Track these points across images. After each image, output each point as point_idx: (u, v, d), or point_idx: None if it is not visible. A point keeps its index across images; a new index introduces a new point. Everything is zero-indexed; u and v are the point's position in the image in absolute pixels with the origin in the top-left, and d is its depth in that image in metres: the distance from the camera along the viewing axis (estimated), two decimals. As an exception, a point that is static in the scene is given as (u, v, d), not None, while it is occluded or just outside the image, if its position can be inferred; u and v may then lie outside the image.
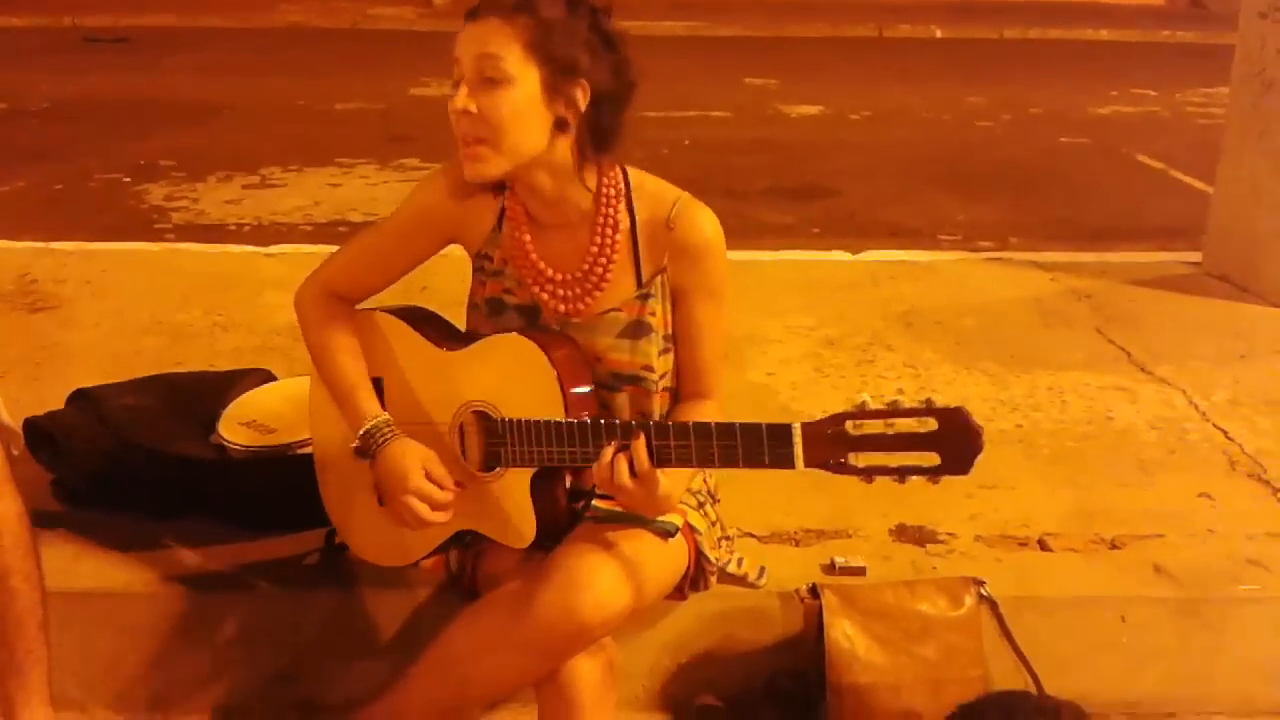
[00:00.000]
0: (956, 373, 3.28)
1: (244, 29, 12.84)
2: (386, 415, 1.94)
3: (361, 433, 1.93)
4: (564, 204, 1.92)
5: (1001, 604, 2.20)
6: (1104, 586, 2.29)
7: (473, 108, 1.79)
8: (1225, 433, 2.92)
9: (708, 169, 6.43)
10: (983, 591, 2.19)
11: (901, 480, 1.61)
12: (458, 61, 1.82)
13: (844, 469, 1.64)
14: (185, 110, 8.12)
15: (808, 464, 1.66)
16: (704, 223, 1.92)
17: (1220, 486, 2.67)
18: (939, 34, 13.27)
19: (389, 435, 1.91)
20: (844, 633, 2.12)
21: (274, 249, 4.49)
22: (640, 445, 1.71)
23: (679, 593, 2.08)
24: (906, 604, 2.15)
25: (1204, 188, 5.23)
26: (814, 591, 2.16)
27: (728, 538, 2.20)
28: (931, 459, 1.59)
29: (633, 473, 1.72)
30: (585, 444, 1.78)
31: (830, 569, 2.29)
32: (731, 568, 2.18)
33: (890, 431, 1.60)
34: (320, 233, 5.20)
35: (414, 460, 1.88)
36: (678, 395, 2.00)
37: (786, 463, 1.67)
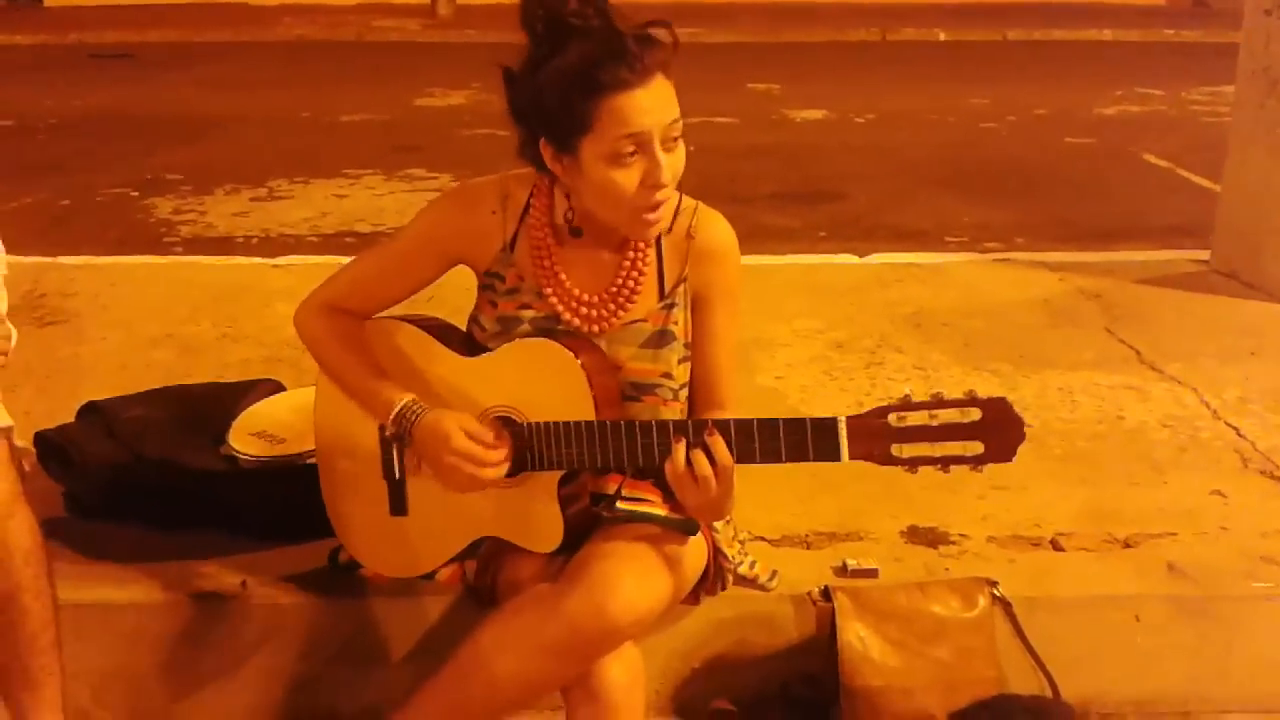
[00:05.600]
0: (965, 374, 3.27)
1: (248, 43, 12.90)
2: (414, 395, 1.91)
3: (393, 415, 1.90)
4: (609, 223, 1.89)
5: (1015, 604, 2.20)
6: (1117, 586, 2.28)
7: (679, 169, 1.80)
8: (1237, 430, 2.91)
9: (712, 174, 6.43)
10: (996, 592, 2.19)
11: (945, 469, 1.67)
12: (638, 134, 1.73)
13: (889, 460, 1.69)
14: (191, 124, 8.15)
15: (853, 456, 1.71)
16: (723, 228, 1.96)
17: (1233, 484, 2.66)
18: (942, 36, 13.28)
19: (420, 410, 1.89)
20: (857, 635, 2.11)
21: (282, 260, 4.49)
22: (719, 441, 1.74)
23: (692, 597, 2.08)
24: (919, 605, 2.15)
25: (1211, 186, 5.22)
26: (826, 594, 2.16)
27: (740, 541, 2.20)
28: (975, 448, 1.65)
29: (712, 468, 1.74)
30: (620, 444, 1.79)
31: (842, 571, 2.28)
32: (744, 570, 2.18)
33: (934, 423, 1.66)
34: (327, 244, 5.22)
35: (451, 424, 1.85)
36: (693, 405, 1.99)
37: (833, 455, 1.71)
